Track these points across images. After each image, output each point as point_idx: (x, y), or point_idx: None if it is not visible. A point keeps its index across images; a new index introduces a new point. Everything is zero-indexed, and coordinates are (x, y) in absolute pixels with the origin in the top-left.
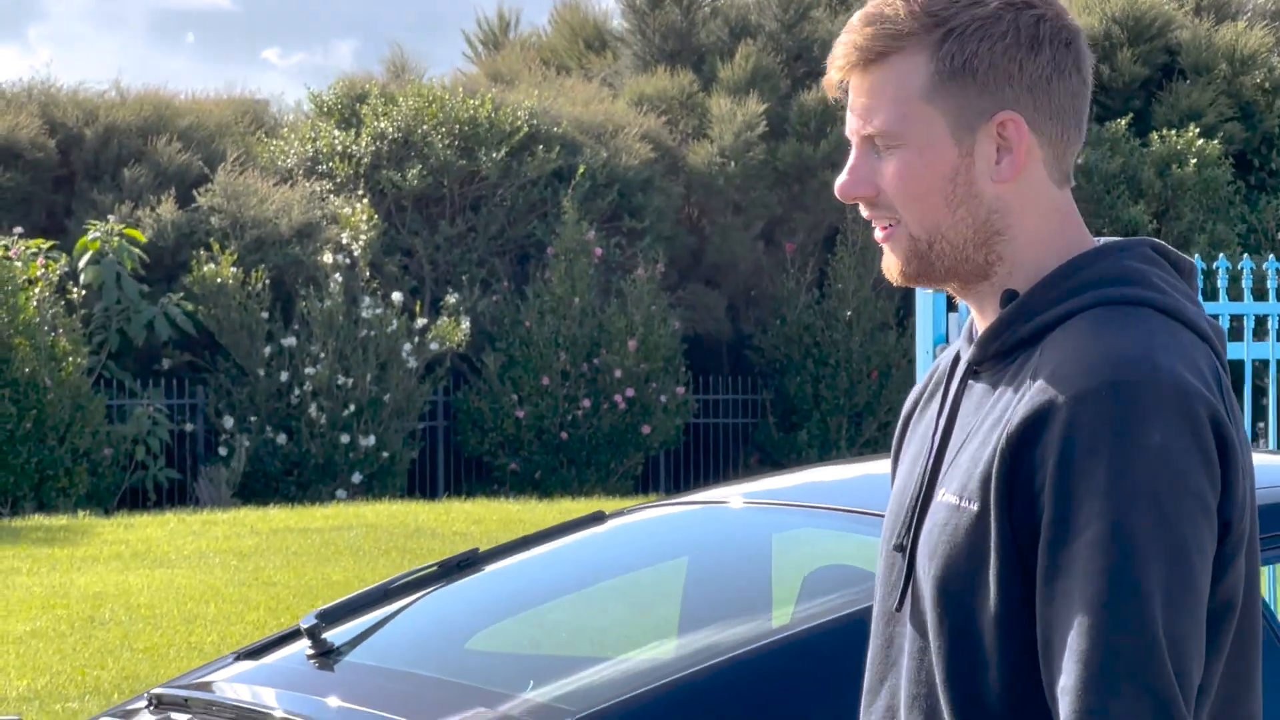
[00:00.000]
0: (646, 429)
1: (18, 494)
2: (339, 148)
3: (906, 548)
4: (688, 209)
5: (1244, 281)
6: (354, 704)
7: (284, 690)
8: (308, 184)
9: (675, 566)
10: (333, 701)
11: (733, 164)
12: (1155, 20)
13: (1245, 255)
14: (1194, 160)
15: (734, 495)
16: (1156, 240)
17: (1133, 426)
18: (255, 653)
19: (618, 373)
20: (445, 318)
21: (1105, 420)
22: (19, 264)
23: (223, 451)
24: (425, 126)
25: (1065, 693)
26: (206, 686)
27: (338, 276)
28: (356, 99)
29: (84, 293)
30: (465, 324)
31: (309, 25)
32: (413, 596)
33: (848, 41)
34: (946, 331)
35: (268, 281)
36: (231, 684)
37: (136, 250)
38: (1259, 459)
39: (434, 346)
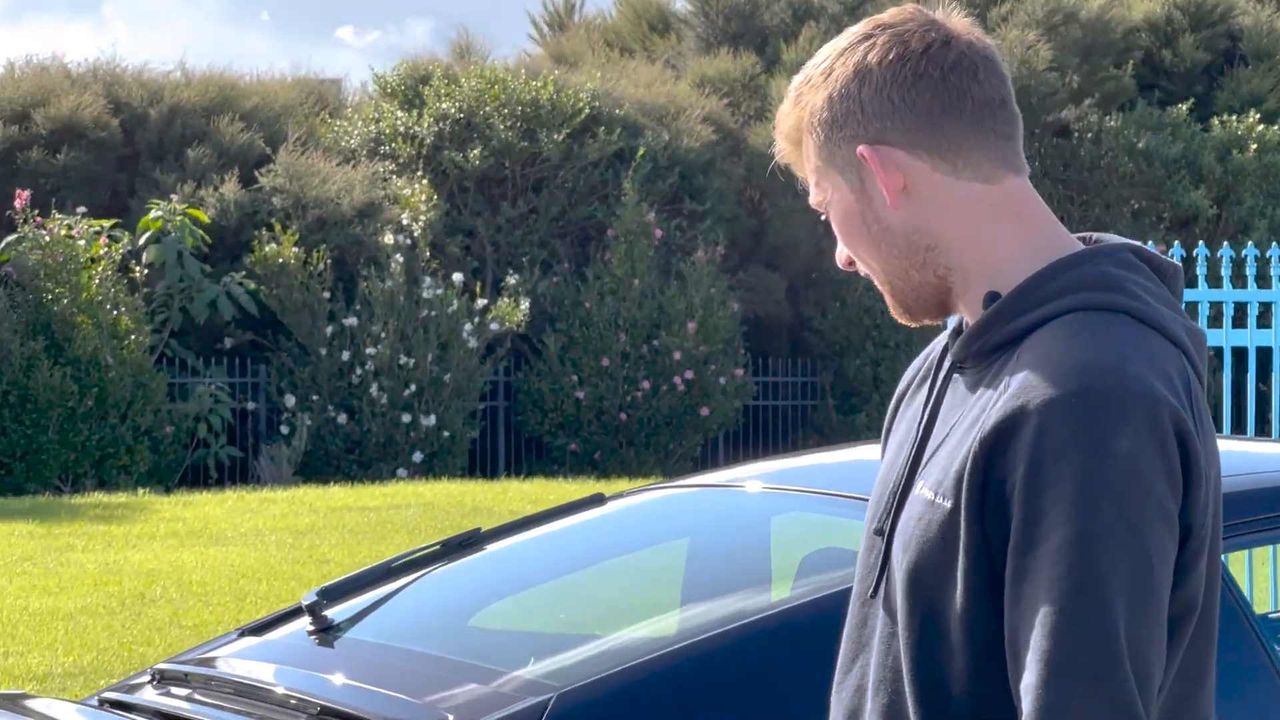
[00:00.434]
0: (705, 411)
1: (79, 471)
2: (401, 128)
3: (885, 532)
4: (749, 191)
5: (1273, 269)
6: (353, 679)
7: (283, 666)
8: (370, 164)
9: (675, 547)
10: (331, 677)
11: None
12: (1217, 6)
13: None
14: (1254, 145)
15: (735, 478)
16: (1138, 245)
17: (1100, 434)
18: (260, 629)
19: (677, 354)
20: (505, 298)
21: (1074, 427)
22: (82, 243)
23: (284, 430)
24: (487, 108)
25: (1028, 690)
26: (208, 662)
27: (399, 257)
28: (420, 80)
29: (146, 271)
30: (525, 305)
31: (383, 4)
32: (415, 575)
33: (777, 133)
34: None
35: (329, 261)
36: (232, 660)
37: (199, 229)
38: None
39: (494, 327)
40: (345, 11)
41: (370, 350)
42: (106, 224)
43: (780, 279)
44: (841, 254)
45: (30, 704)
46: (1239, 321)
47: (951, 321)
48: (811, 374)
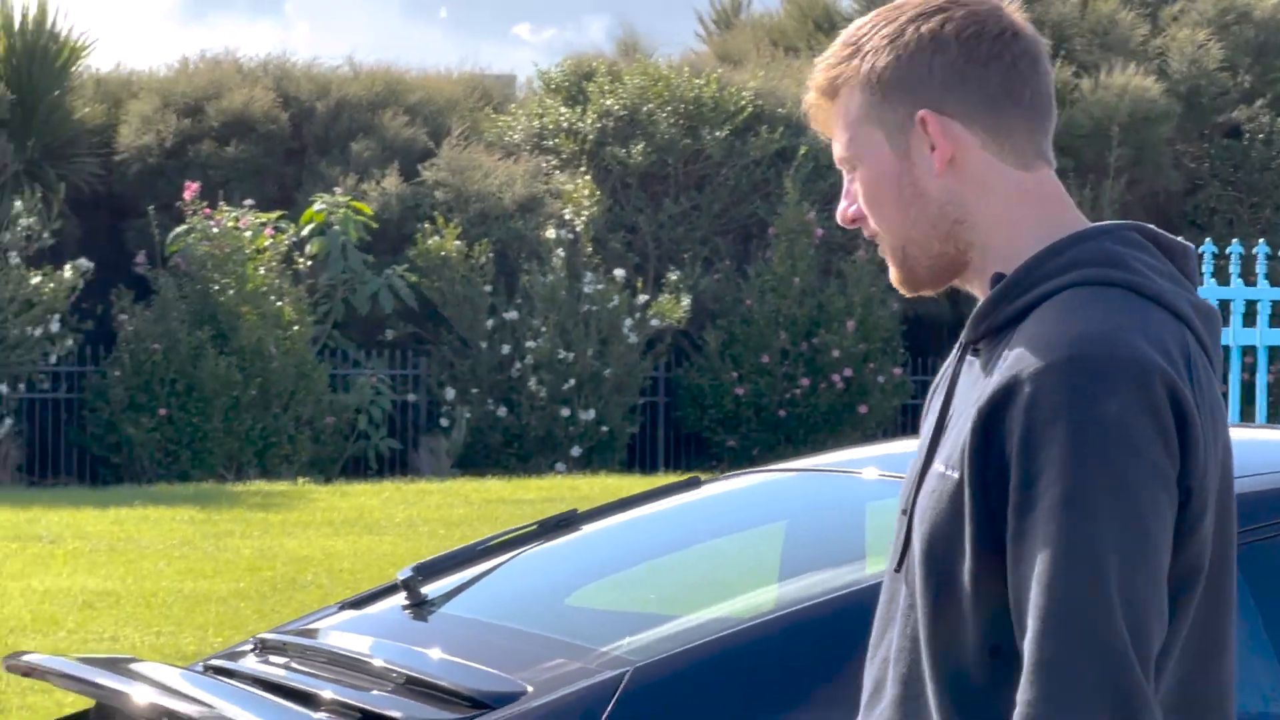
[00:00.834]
0: (863, 409)
1: (243, 460)
2: (565, 124)
3: (909, 512)
4: None
5: None
6: (439, 652)
7: (376, 638)
8: (531, 159)
9: (770, 530)
10: (418, 648)
11: None
12: None
13: None
14: None
15: (835, 463)
16: (1145, 225)
17: (1091, 397)
18: (359, 603)
19: (836, 352)
20: (666, 295)
21: (1065, 392)
22: (248, 234)
23: (444, 423)
24: (650, 105)
25: (1027, 645)
26: (307, 633)
27: (560, 251)
28: (584, 76)
29: (310, 263)
30: (685, 301)
31: (560, 2)
32: (510, 554)
33: (810, 84)
34: None
35: (491, 255)
36: (330, 631)
37: (361, 220)
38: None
39: (655, 323)
40: (523, 8)
41: (530, 344)
42: (272, 216)
43: None
44: (848, 211)
45: (137, 667)
46: None
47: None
48: None
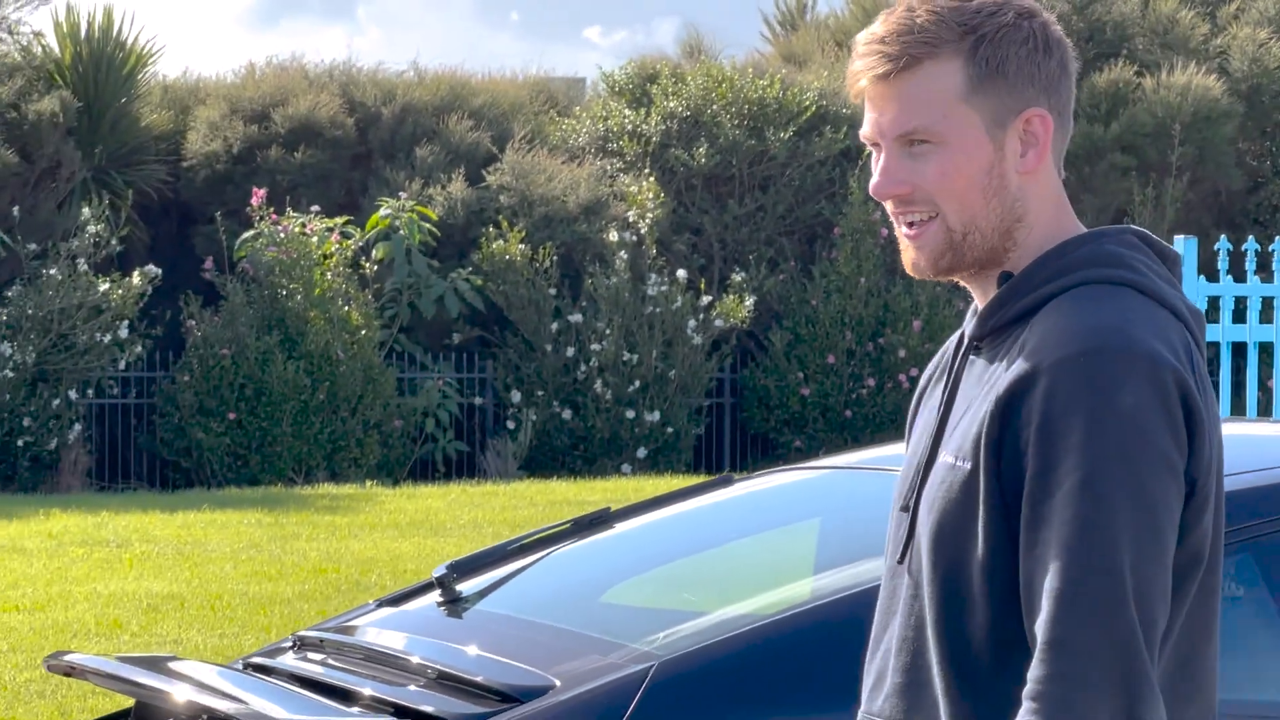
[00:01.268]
0: None
1: (311, 463)
2: (629, 127)
3: (911, 507)
4: None
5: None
6: (471, 647)
7: (411, 634)
8: (595, 162)
9: (802, 528)
10: (452, 644)
11: None
12: None
13: None
14: None
15: (865, 460)
16: (1141, 229)
17: (1106, 389)
18: (396, 600)
19: (902, 353)
20: (731, 296)
21: (1081, 384)
22: (315, 239)
23: (510, 425)
24: (715, 106)
25: (1040, 627)
26: (345, 630)
27: (624, 254)
28: (647, 79)
29: (375, 268)
30: (749, 302)
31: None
32: (544, 551)
33: (877, 51)
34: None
35: (555, 258)
36: (367, 628)
37: (427, 226)
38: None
39: (719, 324)
40: (594, 11)
41: (595, 346)
42: (339, 221)
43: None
44: (888, 185)
45: (175, 665)
46: None
47: (970, 311)
48: None
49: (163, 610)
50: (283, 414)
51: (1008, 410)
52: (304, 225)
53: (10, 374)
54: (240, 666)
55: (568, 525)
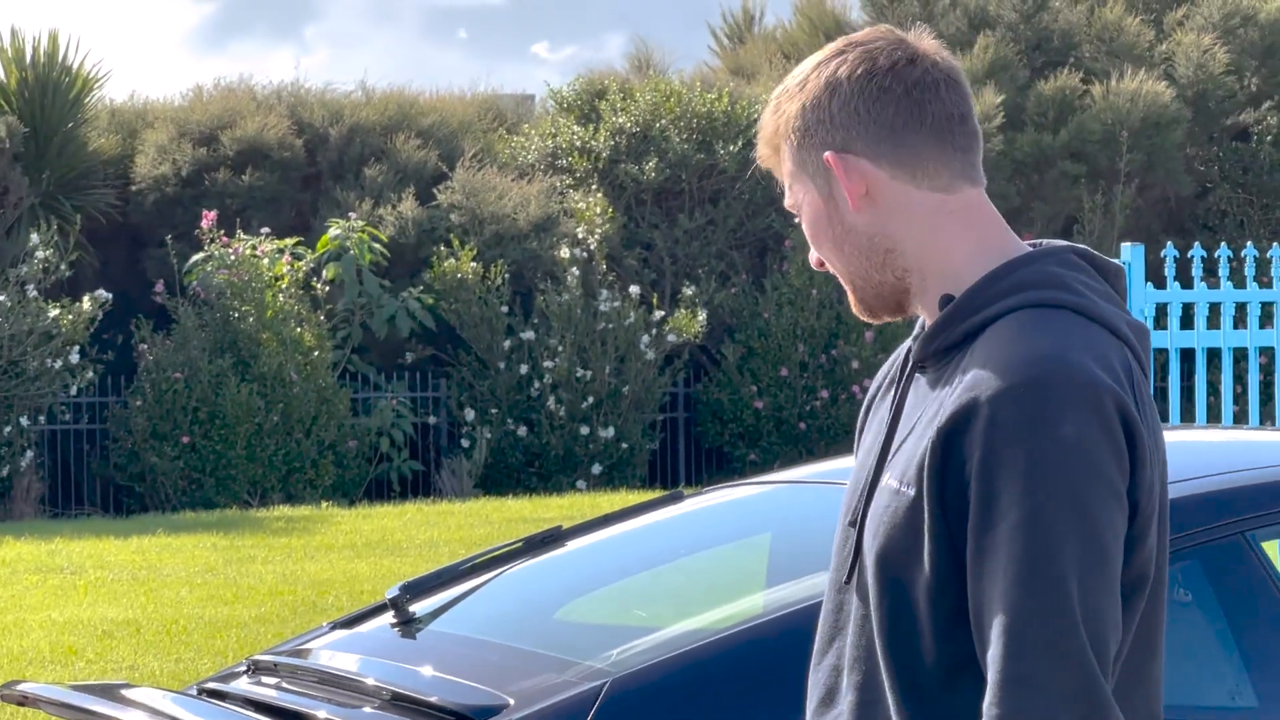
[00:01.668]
0: None
1: (266, 486)
2: (578, 143)
3: (857, 523)
4: None
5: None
6: (425, 668)
7: (364, 656)
8: (545, 179)
9: (753, 543)
10: (405, 665)
11: None
12: None
13: None
14: None
15: (812, 475)
16: (1081, 246)
17: (1048, 419)
18: (349, 622)
19: (855, 364)
20: (683, 310)
21: (1023, 415)
22: (265, 261)
23: (465, 444)
24: (663, 121)
25: (992, 662)
26: (299, 653)
27: (575, 270)
28: (596, 95)
29: (327, 289)
30: (702, 316)
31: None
32: (496, 571)
33: (760, 141)
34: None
35: (507, 276)
36: (320, 650)
37: (378, 246)
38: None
39: (672, 338)
40: (541, 27)
41: (548, 363)
42: (289, 242)
43: None
44: (813, 255)
45: (129, 693)
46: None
47: (916, 326)
48: None
49: (118, 636)
50: (237, 437)
51: (949, 441)
52: (254, 247)
53: None
54: (195, 692)
55: (519, 544)
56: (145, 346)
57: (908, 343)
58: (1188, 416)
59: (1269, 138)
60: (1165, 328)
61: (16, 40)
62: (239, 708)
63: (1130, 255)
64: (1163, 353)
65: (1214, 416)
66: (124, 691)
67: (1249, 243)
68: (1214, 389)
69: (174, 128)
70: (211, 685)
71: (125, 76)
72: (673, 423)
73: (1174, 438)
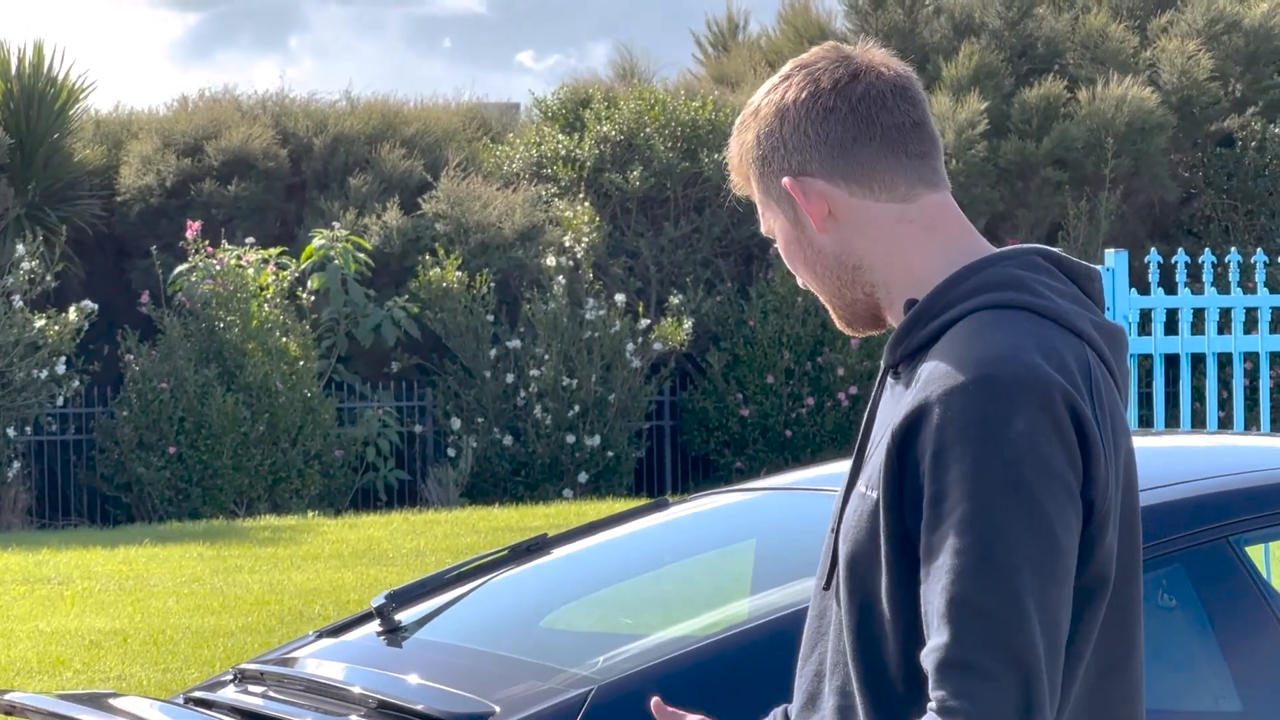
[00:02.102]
0: None
1: (253, 496)
2: (563, 152)
3: (836, 530)
4: None
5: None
6: (411, 676)
7: (351, 665)
8: (530, 188)
9: (739, 549)
10: (392, 674)
11: (955, 161)
12: None
13: None
14: None
15: (797, 482)
16: (1048, 248)
17: (997, 416)
18: (335, 631)
19: (840, 371)
20: (669, 318)
21: (971, 412)
22: (250, 271)
23: (451, 453)
24: (648, 129)
25: (936, 649)
26: (285, 662)
27: (561, 279)
28: (580, 103)
29: (312, 299)
30: (688, 324)
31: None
32: (482, 579)
33: (730, 170)
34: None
35: (492, 285)
36: (307, 659)
37: (362, 255)
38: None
39: (657, 347)
40: (526, 36)
41: (534, 372)
42: (274, 252)
43: None
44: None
45: (116, 702)
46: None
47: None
48: None
49: (105, 646)
50: (223, 446)
51: (903, 443)
52: (239, 257)
53: None
54: (181, 701)
55: (505, 552)
56: (131, 357)
57: None
58: (1172, 422)
59: (1253, 143)
60: (1149, 333)
61: (1, 51)
62: (226, 716)
63: (1114, 261)
64: (1147, 358)
65: (1199, 422)
66: (111, 701)
67: (1233, 248)
68: (1199, 394)
69: (159, 138)
70: (199, 694)
71: (110, 87)
72: (659, 431)
73: (1159, 443)
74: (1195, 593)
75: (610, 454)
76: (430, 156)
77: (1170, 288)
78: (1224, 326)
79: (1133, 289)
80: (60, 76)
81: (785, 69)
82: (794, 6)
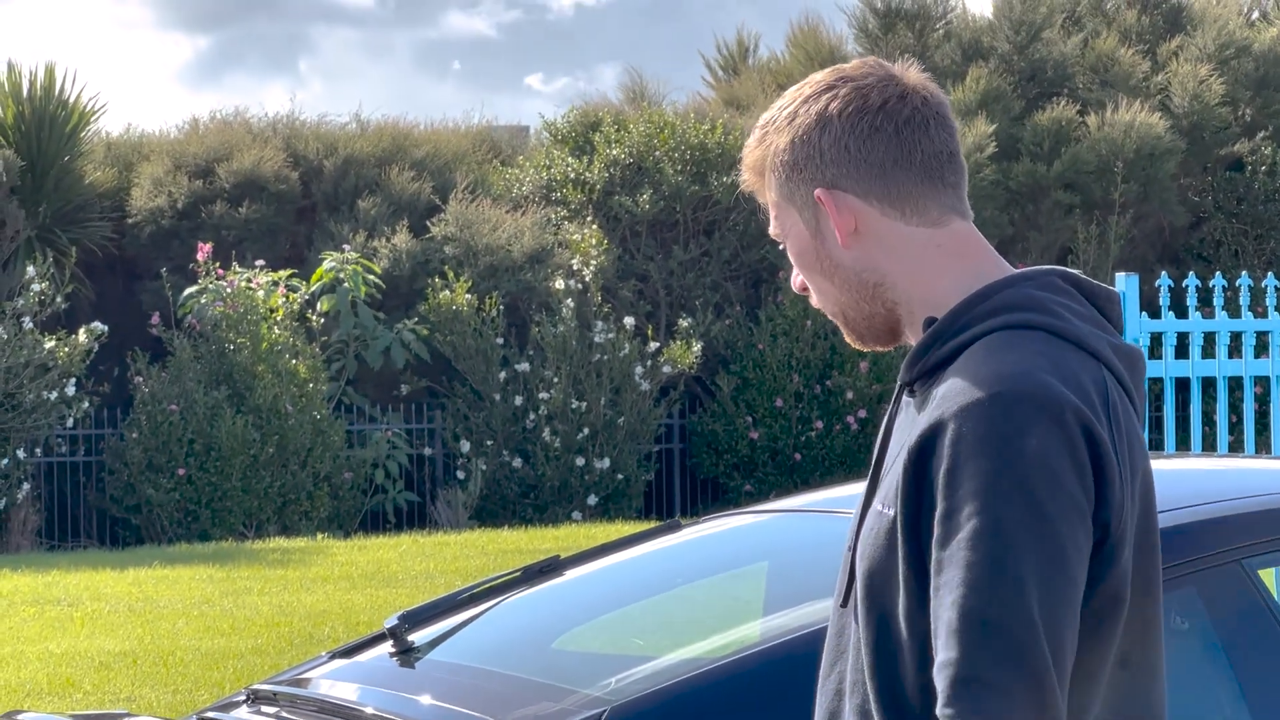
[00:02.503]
0: None
1: (262, 518)
2: (572, 175)
3: (853, 548)
4: None
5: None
6: (422, 697)
7: (363, 685)
8: (540, 210)
9: (752, 571)
10: (404, 694)
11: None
12: None
13: None
14: None
15: (809, 504)
16: (1068, 270)
17: (1010, 434)
18: (348, 652)
19: (849, 394)
20: (678, 341)
21: (984, 429)
22: (260, 294)
23: (460, 475)
24: (657, 152)
25: (946, 664)
26: (298, 682)
27: (570, 302)
28: (590, 126)
29: (322, 321)
30: (697, 347)
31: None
32: (495, 600)
33: (743, 167)
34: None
35: (501, 307)
36: (320, 680)
37: (372, 278)
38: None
39: (667, 370)
40: (535, 59)
41: (543, 395)
42: (284, 275)
43: None
44: (796, 280)
45: None
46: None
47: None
48: None
49: (115, 668)
50: (232, 469)
51: (919, 460)
52: (249, 280)
53: None
54: None
55: (518, 573)
56: (141, 379)
57: None
58: (1183, 445)
59: (1263, 168)
60: (1160, 357)
61: (13, 74)
62: None
63: (1125, 285)
64: (1158, 382)
65: (1209, 445)
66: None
67: (1243, 272)
68: (1209, 418)
69: (170, 160)
70: (211, 715)
71: (121, 110)
72: (668, 454)
73: (1170, 466)
74: (1208, 615)
75: (619, 477)
76: (440, 179)
77: (1181, 311)
78: (1234, 350)
79: (1143, 312)
80: (71, 99)
81: (827, 78)
82: (804, 30)
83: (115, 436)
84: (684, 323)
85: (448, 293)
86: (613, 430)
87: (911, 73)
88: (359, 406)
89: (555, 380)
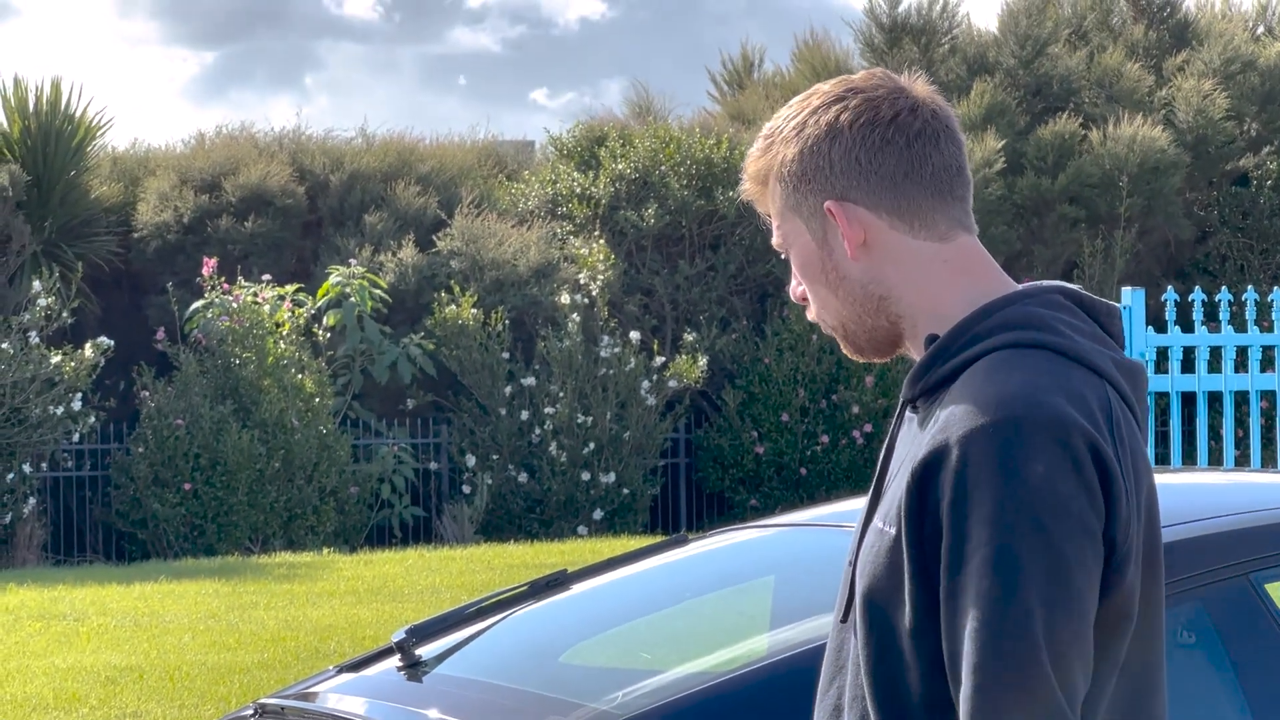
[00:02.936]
0: None
1: (268, 532)
2: (578, 190)
3: (853, 563)
4: None
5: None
6: (429, 711)
7: (370, 699)
8: (545, 225)
9: (760, 584)
10: (411, 708)
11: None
12: None
13: None
14: None
15: (815, 518)
16: (1069, 286)
17: (1016, 458)
18: (356, 665)
19: (855, 409)
20: (684, 356)
21: (991, 455)
22: (266, 308)
23: (466, 490)
24: (663, 167)
25: (963, 700)
26: (306, 696)
27: (576, 316)
28: (596, 141)
29: (328, 335)
30: (703, 361)
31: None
32: (502, 614)
33: (744, 174)
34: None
35: (507, 322)
36: (327, 694)
37: (378, 292)
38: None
39: (673, 384)
40: (541, 73)
41: (549, 409)
42: (290, 289)
43: None
44: (796, 290)
45: None
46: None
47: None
48: None
49: (121, 683)
50: (238, 483)
51: (924, 482)
52: (255, 294)
53: None
54: None
55: (525, 588)
56: (147, 393)
57: None
58: (1189, 459)
59: (1269, 182)
60: (1166, 371)
61: (19, 89)
62: None
63: (1131, 299)
64: (1164, 396)
65: (1215, 459)
66: None
67: (1249, 287)
68: (1215, 432)
69: (176, 175)
70: None
71: (127, 124)
72: (674, 468)
73: (1176, 480)
74: (1214, 630)
75: (625, 491)
76: (445, 194)
77: (1187, 326)
78: (1240, 365)
79: (1149, 327)
80: (77, 114)
81: (836, 88)
82: (809, 44)
83: (121, 451)
84: (689, 337)
85: (454, 307)
86: (619, 445)
87: (919, 85)
88: (365, 421)
89: (561, 395)
